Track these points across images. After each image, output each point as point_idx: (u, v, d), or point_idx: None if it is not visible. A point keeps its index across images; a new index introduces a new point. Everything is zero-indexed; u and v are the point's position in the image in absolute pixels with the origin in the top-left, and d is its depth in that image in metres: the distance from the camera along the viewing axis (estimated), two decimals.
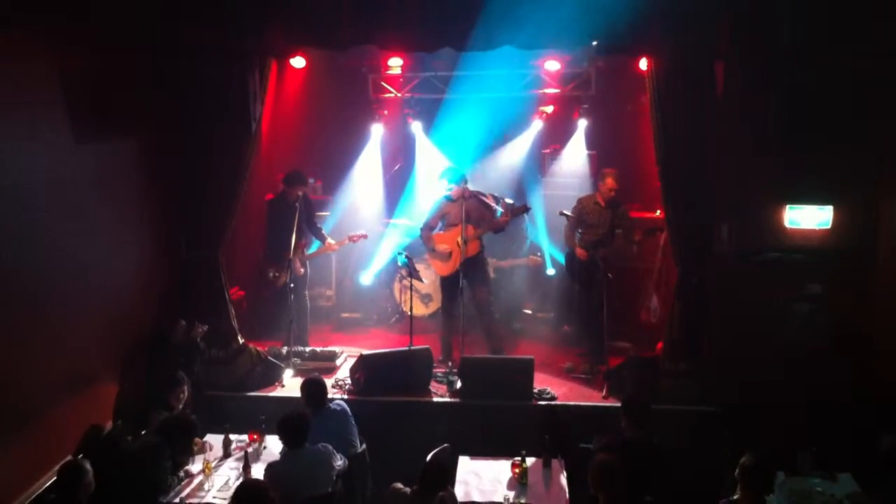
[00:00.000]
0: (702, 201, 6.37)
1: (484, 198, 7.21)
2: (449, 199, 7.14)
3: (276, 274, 7.28)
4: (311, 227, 7.62)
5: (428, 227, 7.34)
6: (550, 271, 8.47)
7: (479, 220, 7.07)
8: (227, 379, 6.59)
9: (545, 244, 8.50)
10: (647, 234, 7.12)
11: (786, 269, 6.26)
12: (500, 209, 7.21)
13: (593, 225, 7.16)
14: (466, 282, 6.91)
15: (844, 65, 5.95)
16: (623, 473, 4.19)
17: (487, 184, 8.26)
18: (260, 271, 7.51)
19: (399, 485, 4.51)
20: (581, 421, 6.04)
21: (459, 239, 6.90)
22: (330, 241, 7.66)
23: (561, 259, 7.87)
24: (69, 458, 4.82)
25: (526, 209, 7.21)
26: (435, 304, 8.38)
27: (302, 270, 7.45)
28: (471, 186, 7.22)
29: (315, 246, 7.75)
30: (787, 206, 6.26)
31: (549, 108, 9.21)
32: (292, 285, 7.08)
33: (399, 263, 7.50)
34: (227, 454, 5.31)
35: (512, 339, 7.85)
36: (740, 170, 6.25)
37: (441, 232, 7.28)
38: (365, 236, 7.80)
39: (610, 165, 7.70)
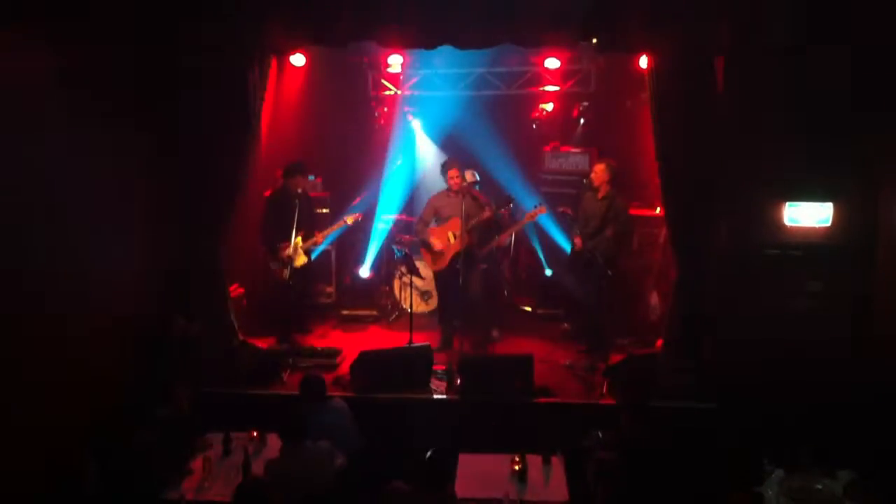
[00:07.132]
0: (701, 198, 6.37)
1: (476, 193, 7.22)
2: (446, 191, 7.07)
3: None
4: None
5: (422, 222, 7.35)
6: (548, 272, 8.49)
7: (468, 215, 7.02)
8: (226, 376, 6.58)
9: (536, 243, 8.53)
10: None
11: (785, 266, 6.25)
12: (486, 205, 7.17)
13: (589, 217, 7.17)
14: (463, 275, 6.91)
15: (844, 61, 5.94)
16: (622, 470, 4.20)
17: (487, 181, 8.25)
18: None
19: (399, 482, 4.51)
20: (581, 418, 6.04)
21: (450, 234, 6.89)
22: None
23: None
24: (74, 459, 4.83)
25: (509, 200, 7.22)
26: (435, 301, 8.38)
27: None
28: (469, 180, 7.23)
29: None
30: (787, 204, 6.25)
31: (549, 106, 9.21)
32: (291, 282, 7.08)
33: (396, 255, 7.50)
34: (226, 452, 5.30)
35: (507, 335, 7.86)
36: (740, 167, 6.24)
37: (435, 227, 7.27)
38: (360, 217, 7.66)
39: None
